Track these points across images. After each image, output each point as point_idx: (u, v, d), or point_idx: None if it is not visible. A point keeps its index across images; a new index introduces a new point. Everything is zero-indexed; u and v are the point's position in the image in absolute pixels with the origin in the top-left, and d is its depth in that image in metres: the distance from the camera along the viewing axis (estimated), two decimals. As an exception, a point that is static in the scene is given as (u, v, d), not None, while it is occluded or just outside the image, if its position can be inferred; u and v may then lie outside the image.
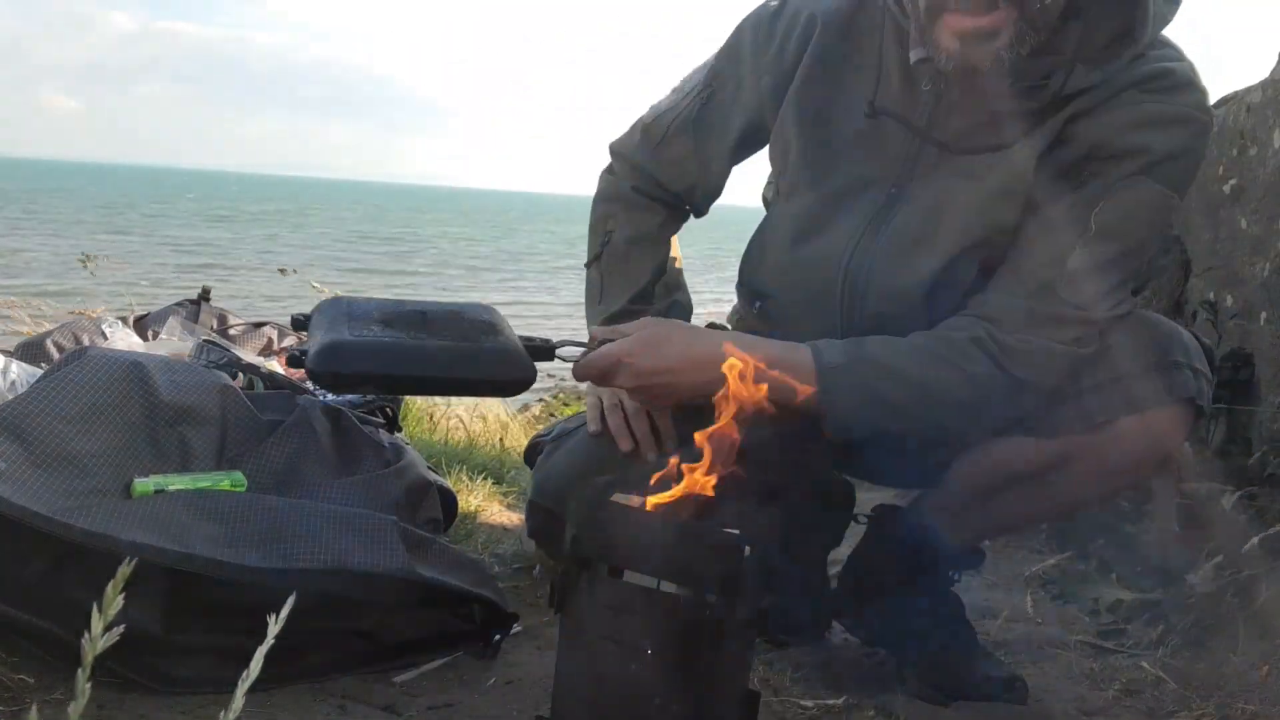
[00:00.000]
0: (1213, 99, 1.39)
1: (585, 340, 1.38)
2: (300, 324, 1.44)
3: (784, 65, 1.46)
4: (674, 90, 1.62)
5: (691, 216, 1.70)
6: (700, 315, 1.78)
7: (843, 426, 1.30)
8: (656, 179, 1.62)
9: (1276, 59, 2.26)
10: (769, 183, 1.63)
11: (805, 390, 1.24)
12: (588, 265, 1.69)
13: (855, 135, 1.40)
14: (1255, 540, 1.71)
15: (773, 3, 1.51)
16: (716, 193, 1.65)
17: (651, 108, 1.63)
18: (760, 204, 1.75)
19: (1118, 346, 1.31)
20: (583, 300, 1.70)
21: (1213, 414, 2.20)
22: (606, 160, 1.69)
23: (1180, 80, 1.27)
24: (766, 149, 1.56)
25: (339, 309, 1.38)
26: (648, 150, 1.61)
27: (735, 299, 1.77)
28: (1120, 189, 1.25)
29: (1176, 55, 1.30)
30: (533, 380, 1.32)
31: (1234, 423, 2.17)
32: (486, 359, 1.30)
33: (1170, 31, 1.30)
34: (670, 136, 1.58)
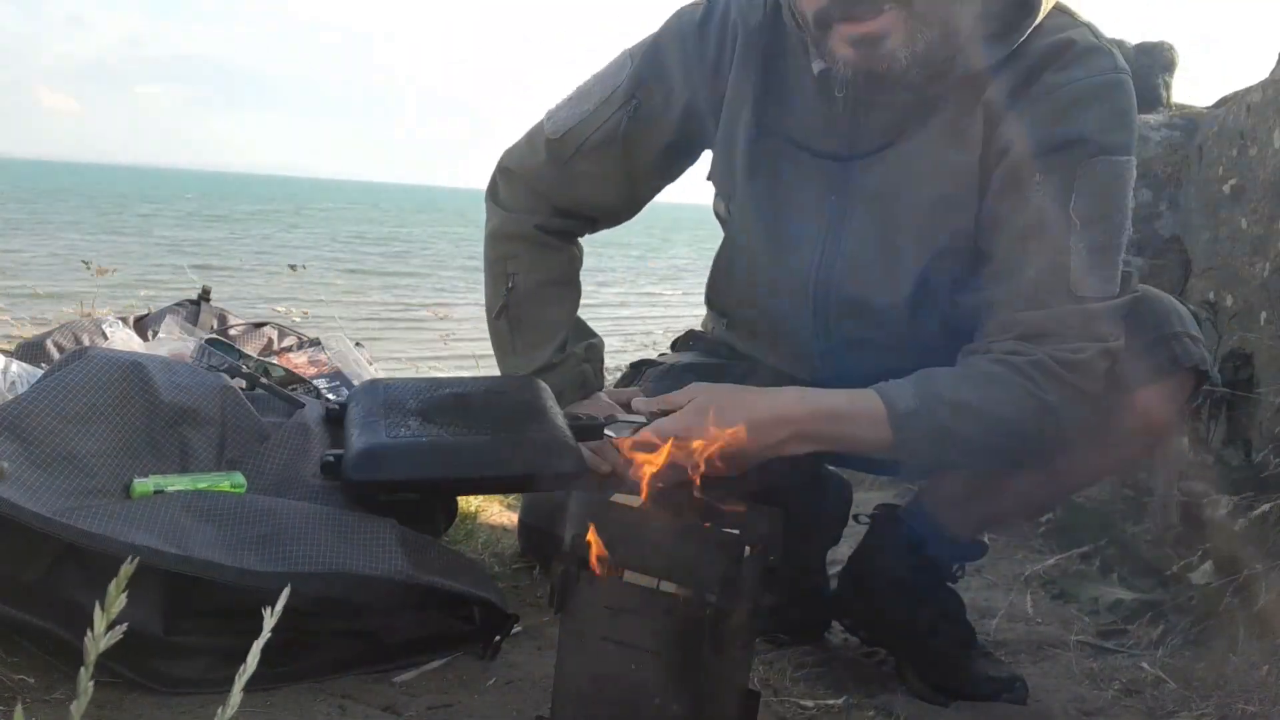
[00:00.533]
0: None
1: (632, 415, 1.32)
2: (337, 415, 1.40)
3: (718, 80, 1.43)
4: (575, 98, 1.53)
5: (587, 228, 1.62)
6: (673, 320, 1.75)
7: (920, 470, 1.31)
8: (566, 201, 1.55)
9: (1276, 59, 2.26)
10: (717, 197, 1.58)
11: (881, 441, 1.24)
12: (493, 317, 1.59)
13: (794, 150, 1.39)
14: (1254, 540, 1.71)
15: (696, 12, 1.47)
16: (639, 208, 1.60)
17: (551, 118, 1.53)
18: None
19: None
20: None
21: (1211, 414, 2.20)
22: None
23: (1085, 47, 1.27)
24: (698, 163, 1.53)
25: (375, 398, 1.33)
26: (556, 168, 1.52)
27: (705, 310, 1.76)
28: (1082, 177, 1.25)
29: (1073, 22, 1.30)
30: (584, 473, 1.26)
31: (1234, 423, 2.17)
32: (531, 453, 1.24)
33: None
34: (588, 150, 1.50)
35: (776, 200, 1.42)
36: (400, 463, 1.21)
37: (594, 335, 1.65)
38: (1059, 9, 1.31)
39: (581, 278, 1.65)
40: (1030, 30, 1.26)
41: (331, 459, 1.28)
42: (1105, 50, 1.28)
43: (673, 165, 1.54)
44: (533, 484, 1.31)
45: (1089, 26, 1.30)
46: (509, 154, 1.59)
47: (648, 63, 1.48)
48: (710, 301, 1.68)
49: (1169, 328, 1.33)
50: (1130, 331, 1.29)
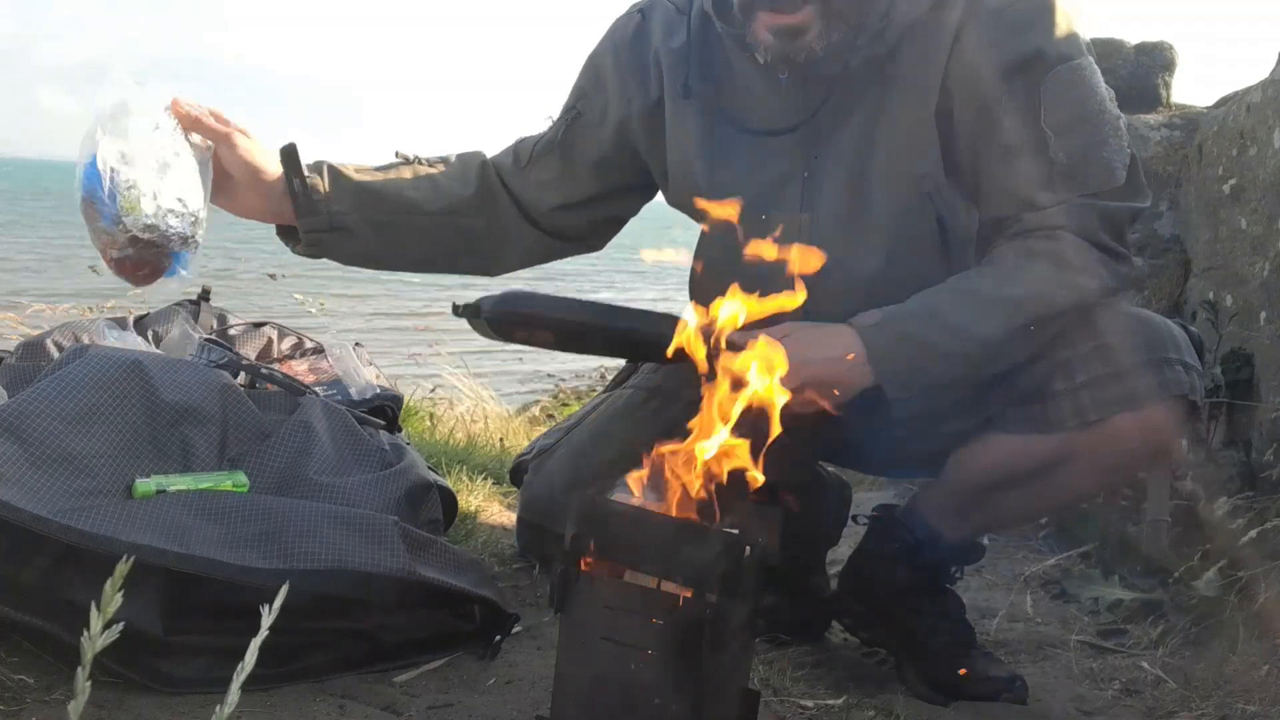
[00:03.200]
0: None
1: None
2: (461, 310, 1.44)
3: (649, 96, 1.46)
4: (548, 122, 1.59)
5: (555, 246, 1.61)
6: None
7: (913, 410, 1.30)
8: (513, 192, 1.56)
9: (1276, 59, 2.26)
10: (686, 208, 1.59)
11: (861, 370, 1.26)
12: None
13: (750, 137, 1.42)
14: (1254, 540, 1.71)
15: (630, 21, 1.50)
16: (587, 221, 1.60)
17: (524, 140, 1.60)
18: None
19: (1111, 343, 1.32)
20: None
21: (1211, 414, 2.20)
22: None
23: None
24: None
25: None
26: (516, 168, 1.57)
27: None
28: (1046, 90, 1.29)
29: None
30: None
31: (1234, 423, 2.18)
32: (653, 318, 1.37)
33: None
34: (536, 157, 1.54)
35: (745, 180, 1.42)
36: (538, 302, 1.35)
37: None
38: None
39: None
40: None
41: (464, 303, 1.38)
42: None
43: (607, 174, 1.55)
44: (647, 350, 1.35)
45: None
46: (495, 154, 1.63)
47: (587, 74, 1.54)
48: (694, 297, 1.68)
49: (1161, 353, 1.32)
50: (1122, 352, 1.30)
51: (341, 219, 1.46)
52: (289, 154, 1.43)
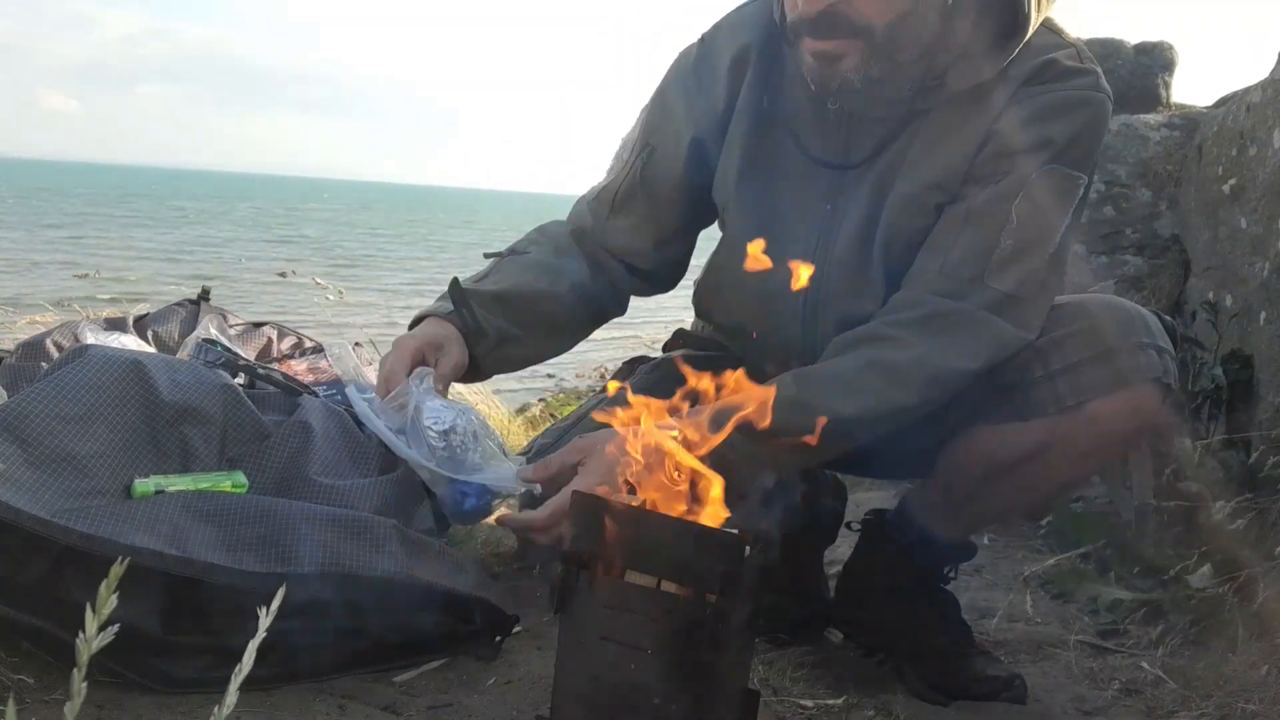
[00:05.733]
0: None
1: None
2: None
3: (716, 113, 1.47)
4: (611, 166, 1.59)
5: (648, 291, 1.64)
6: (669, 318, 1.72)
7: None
8: (607, 247, 1.57)
9: (1276, 59, 2.26)
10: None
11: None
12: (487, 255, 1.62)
13: (793, 145, 1.44)
14: (1254, 540, 1.71)
15: (693, 50, 1.52)
16: (679, 254, 1.62)
17: (592, 187, 1.61)
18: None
19: (1084, 329, 1.33)
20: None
21: (1211, 414, 2.20)
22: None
23: (1066, 68, 1.33)
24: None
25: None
26: (599, 223, 1.57)
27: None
28: (1035, 179, 1.31)
29: (1061, 43, 1.36)
30: None
31: (1234, 423, 2.17)
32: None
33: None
34: (620, 202, 1.55)
35: (772, 199, 1.44)
36: None
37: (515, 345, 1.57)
38: (1048, 28, 1.36)
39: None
40: (1019, 49, 1.31)
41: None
42: (1088, 70, 1.34)
43: (691, 208, 1.56)
44: None
45: (1076, 47, 1.36)
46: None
47: (655, 109, 1.55)
48: (698, 310, 1.68)
49: (1135, 338, 1.32)
50: (1096, 339, 1.31)
51: (503, 330, 1.51)
52: (457, 291, 1.50)
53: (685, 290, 1.72)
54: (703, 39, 1.52)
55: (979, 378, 1.31)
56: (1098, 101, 1.33)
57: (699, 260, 1.63)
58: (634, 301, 1.69)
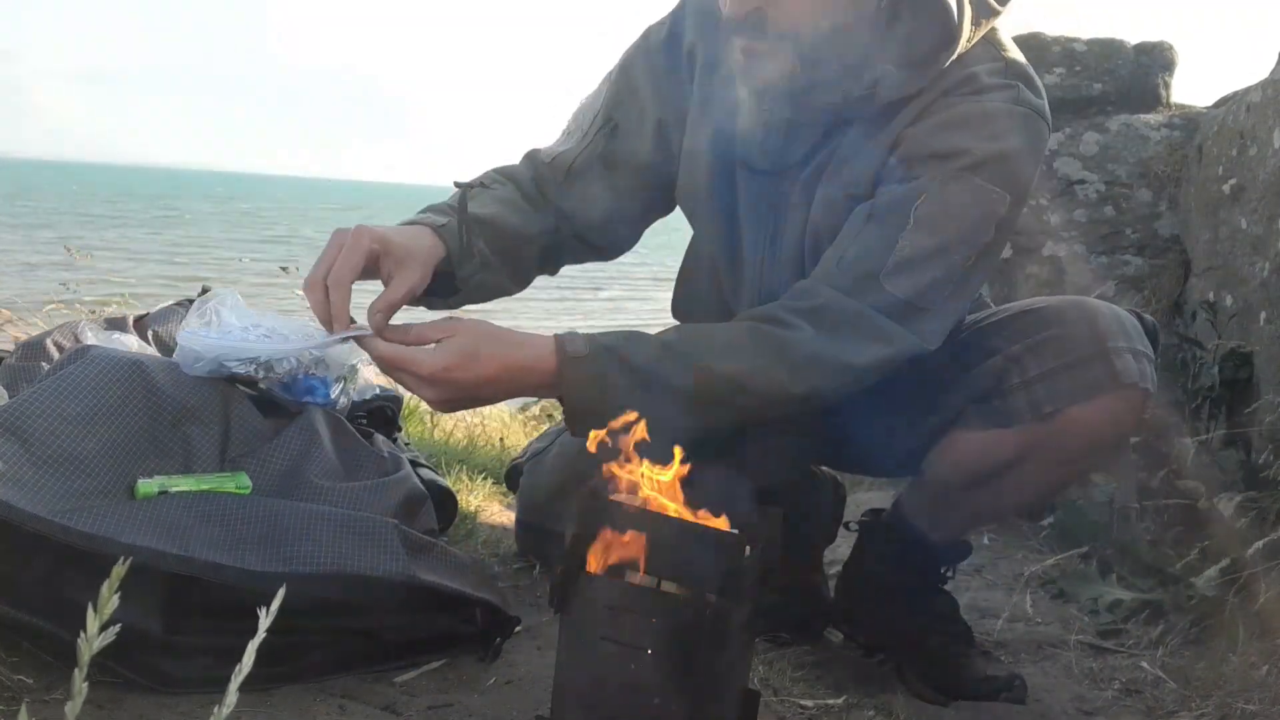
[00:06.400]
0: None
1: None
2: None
3: (680, 99, 1.46)
4: (565, 133, 1.55)
5: (590, 257, 1.59)
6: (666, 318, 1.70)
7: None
8: (559, 210, 1.51)
9: (1276, 59, 2.26)
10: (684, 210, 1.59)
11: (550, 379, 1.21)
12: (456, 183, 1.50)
13: (742, 170, 1.43)
14: (1258, 542, 1.71)
15: (662, 29, 1.50)
16: (628, 234, 1.57)
17: (548, 149, 1.54)
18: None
19: (1060, 335, 1.33)
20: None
21: (1211, 414, 2.20)
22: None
23: (985, 83, 1.31)
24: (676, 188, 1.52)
25: None
26: (555, 187, 1.51)
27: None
28: (938, 185, 1.27)
29: (994, 57, 1.33)
30: None
31: (1234, 423, 2.17)
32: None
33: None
34: (577, 172, 1.49)
35: (733, 218, 1.45)
36: None
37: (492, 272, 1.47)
38: (990, 41, 1.34)
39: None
40: (950, 62, 1.30)
41: None
42: (1008, 85, 1.31)
43: (648, 188, 1.53)
44: None
45: (1008, 62, 1.33)
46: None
47: (620, 84, 1.51)
48: (676, 317, 1.68)
49: (1111, 342, 1.30)
50: (1070, 346, 1.31)
51: (484, 256, 1.42)
52: (464, 208, 1.40)
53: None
54: (673, 16, 1.49)
55: (869, 378, 1.27)
56: (1011, 114, 1.30)
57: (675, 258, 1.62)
58: (630, 303, 1.68)
